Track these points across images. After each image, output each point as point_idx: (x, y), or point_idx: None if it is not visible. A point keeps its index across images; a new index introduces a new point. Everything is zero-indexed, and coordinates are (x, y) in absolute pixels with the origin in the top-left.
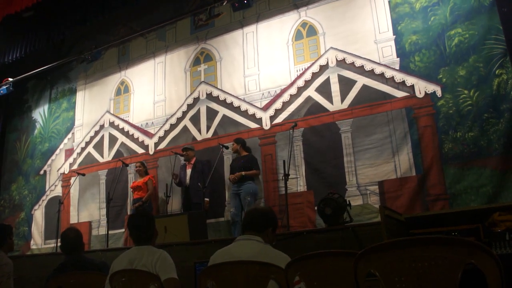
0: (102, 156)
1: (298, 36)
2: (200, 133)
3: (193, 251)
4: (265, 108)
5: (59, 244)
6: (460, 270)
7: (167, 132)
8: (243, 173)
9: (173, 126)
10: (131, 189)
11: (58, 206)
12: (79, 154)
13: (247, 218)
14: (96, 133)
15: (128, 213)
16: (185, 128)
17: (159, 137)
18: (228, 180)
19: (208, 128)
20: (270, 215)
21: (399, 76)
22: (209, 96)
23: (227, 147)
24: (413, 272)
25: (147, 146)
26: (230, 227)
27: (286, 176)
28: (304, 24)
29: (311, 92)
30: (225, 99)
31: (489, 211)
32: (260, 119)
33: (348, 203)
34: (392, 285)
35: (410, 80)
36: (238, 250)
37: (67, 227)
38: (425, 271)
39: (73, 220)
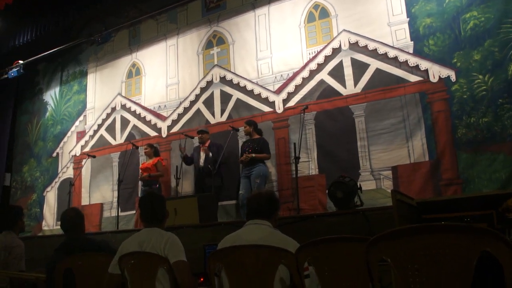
0: (115, 139)
1: (310, 18)
2: (214, 117)
3: (203, 233)
4: (278, 92)
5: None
6: (475, 258)
7: (180, 116)
8: (253, 155)
9: (186, 109)
10: (141, 170)
11: (69, 187)
12: (92, 136)
13: (253, 204)
14: (108, 115)
15: (139, 195)
16: (198, 111)
17: (173, 120)
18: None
19: (223, 111)
20: (274, 199)
21: (412, 60)
22: (223, 80)
23: (237, 130)
24: (426, 259)
25: (160, 129)
26: (240, 209)
27: (297, 159)
28: (316, 6)
29: (323, 75)
30: (238, 83)
31: (503, 197)
32: (273, 102)
33: (359, 186)
34: (404, 272)
35: (424, 64)
36: (247, 234)
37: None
38: (439, 258)
39: (85, 202)
